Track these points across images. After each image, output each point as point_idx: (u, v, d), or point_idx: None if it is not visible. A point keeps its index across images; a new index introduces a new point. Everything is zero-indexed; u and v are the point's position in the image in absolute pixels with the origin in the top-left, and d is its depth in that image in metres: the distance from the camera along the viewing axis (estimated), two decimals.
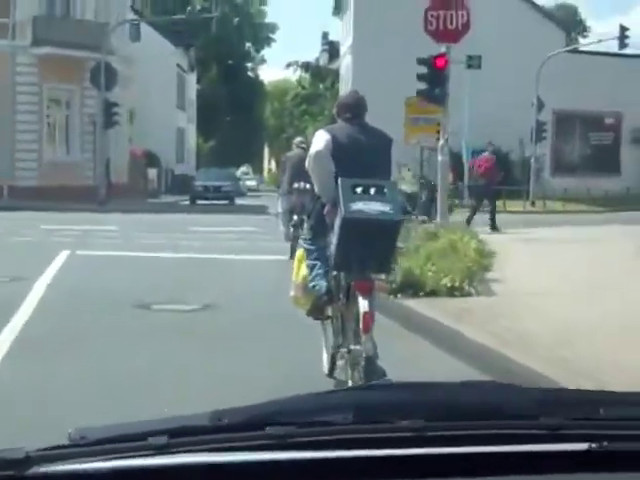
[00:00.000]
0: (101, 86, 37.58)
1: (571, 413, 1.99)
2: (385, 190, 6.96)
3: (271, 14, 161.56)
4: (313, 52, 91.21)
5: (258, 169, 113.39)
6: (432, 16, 21.55)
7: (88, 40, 38.38)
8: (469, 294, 11.55)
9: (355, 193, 6.86)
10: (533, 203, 45.54)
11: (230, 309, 11.50)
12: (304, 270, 7.67)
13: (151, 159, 57.33)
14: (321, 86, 69.17)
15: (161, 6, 78.68)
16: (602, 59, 54.36)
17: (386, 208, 6.84)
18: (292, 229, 17.73)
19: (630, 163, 54.76)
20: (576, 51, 52.27)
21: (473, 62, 34.53)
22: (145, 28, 63.03)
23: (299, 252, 8.01)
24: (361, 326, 6.77)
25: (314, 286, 7.50)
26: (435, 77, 21.37)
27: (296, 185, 17.31)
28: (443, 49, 21.49)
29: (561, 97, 49.84)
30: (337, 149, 7.25)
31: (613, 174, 53.98)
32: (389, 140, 7.58)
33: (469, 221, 24.62)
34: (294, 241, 16.95)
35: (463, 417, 1.93)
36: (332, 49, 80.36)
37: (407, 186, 17.58)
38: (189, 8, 67.34)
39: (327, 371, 7.47)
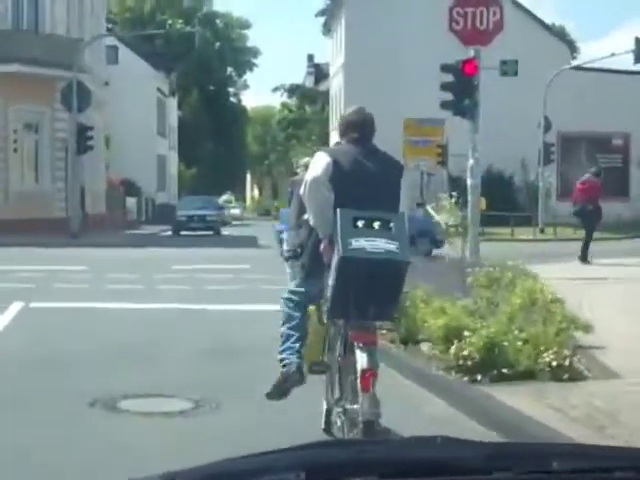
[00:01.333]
0: (73, 107, 33.92)
1: (524, 467, 2.07)
2: (391, 225, 6.09)
3: (253, 38, 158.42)
4: (297, 76, 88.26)
5: (241, 196, 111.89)
6: (458, 14, 18.26)
7: (59, 57, 34.80)
8: (581, 375, 8.01)
9: (356, 227, 6.06)
10: (542, 230, 42.26)
11: (235, 410, 7.81)
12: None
13: (130, 188, 54.28)
14: (307, 109, 65.91)
15: (140, 29, 76.18)
16: (608, 76, 51.44)
17: (392, 246, 6.01)
18: None
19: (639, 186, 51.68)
20: (581, 68, 49.02)
21: (508, 68, 30.85)
22: (123, 49, 60.18)
23: (311, 309, 6.92)
24: (359, 385, 5.93)
25: (282, 360, 6.60)
26: (464, 86, 18.06)
27: (306, 216, 13.82)
28: (467, 54, 18.03)
29: (566, 117, 46.71)
30: (338, 175, 6.34)
31: (622, 198, 50.84)
32: (400, 167, 6.75)
33: (585, 256, 21.67)
34: None
35: (417, 474, 2.03)
36: (318, 72, 77.70)
37: (447, 217, 14.00)
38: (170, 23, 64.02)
39: (323, 426, 6.72)
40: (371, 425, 5.84)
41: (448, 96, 18.48)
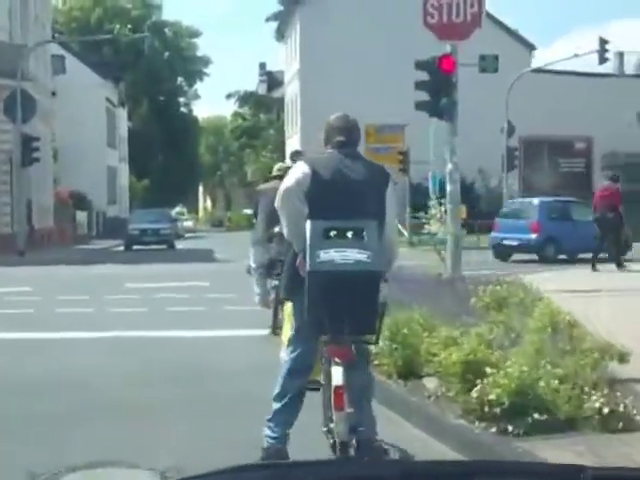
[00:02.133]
0: (17, 118, 32.05)
1: None
2: (364, 234, 5.80)
3: (203, 47, 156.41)
4: (248, 84, 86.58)
5: (193, 208, 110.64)
6: (433, 7, 16.78)
7: (1, 64, 32.90)
8: (636, 424, 6.50)
9: (328, 238, 5.78)
10: None
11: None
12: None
13: (80, 201, 52.46)
14: (262, 117, 64.29)
15: (86, 36, 74.45)
16: (570, 79, 50.49)
17: (363, 256, 5.74)
18: (273, 291, 12.76)
19: None
20: (541, 71, 47.83)
21: (487, 64, 29.28)
22: (70, 59, 58.40)
23: (287, 306, 7.00)
24: (332, 402, 5.83)
25: (266, 436, 6.12)
26: (441, 84, 16.72)
27: (277, 229, 12.29)
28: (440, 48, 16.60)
29: (527, 121, 45.50)
30: (317, 185, 6.00)
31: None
32: (385, 175, 6.32)
33: (620, 262, 21.46)
34: (276, 307, 12.32)
35: None
36: (270, 79, 76.24)
37: (437, 226, 12.48)
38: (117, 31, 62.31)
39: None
40: (345, 445, 5.74)
41: (420, 96, 17.10)
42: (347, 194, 5.99)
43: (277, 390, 6.24)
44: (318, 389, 6.44)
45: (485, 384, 6.76)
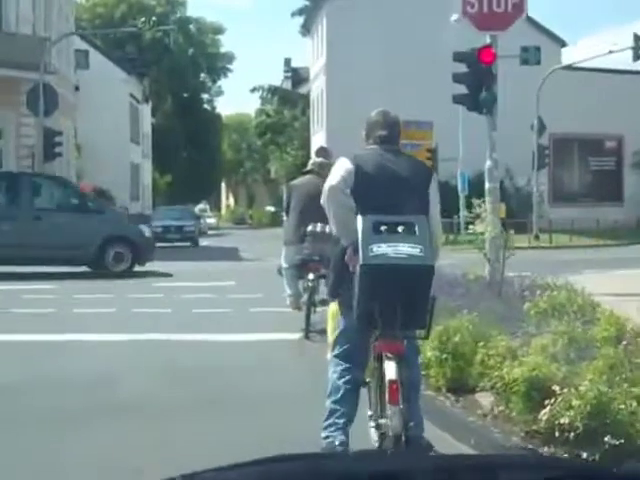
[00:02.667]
0: (39, 111, 31.39)
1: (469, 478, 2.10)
2: (416, 228, 5.78)
3: (227, 43, 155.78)
4: (273, 81, 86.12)
5: (215, 205, 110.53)
6: None
7: (24, 58, 32.19)
8: None
9: (379, 233, 5.75)
10: (537, 237, 40.10)
11: None
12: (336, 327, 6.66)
13: (102, 197, 51.66)
14: (286, 113, 63.50)
15: (111, 36, 74.17)
16: (600, 76, 49.45)
17: (416, 250, 5.71)
18: (306, 293, 12.10)
19: (634, 190, 49.61)
20: (572, 68, 46.84)
21: (529, 55, 28.25)
22: (94, 54, 57.84)
23: (332, 306, 7.19)
24: (387, 396, 5.65)
25: (326, 437, 5.99)
26: (480, 76, 15.93)
27: (311, 228, 11.68)
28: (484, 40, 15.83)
29: (557, 119, 44.54)
30: (362, 181, 6.04)
31: (616, 202, 48.89)
32: (428, 171, 6.45)
33: None
34: (309, 310, 11.62)
35: None
36: (295, 75, 75.49)
37: (485, 227, 11.69)
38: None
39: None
40: (399, 439, 5.59)
41: (457, 89, 16.34)
42: (393, 189, 6.04)
43: (329, 389, 6.20)
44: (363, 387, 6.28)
45: (555, 405, 6.00)
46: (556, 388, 6.21)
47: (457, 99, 16.47)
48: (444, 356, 7.89)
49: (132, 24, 71.68)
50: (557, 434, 5.90)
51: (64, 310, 15.46)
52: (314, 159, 12.76)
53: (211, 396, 8.47)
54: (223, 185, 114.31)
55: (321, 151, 13.37)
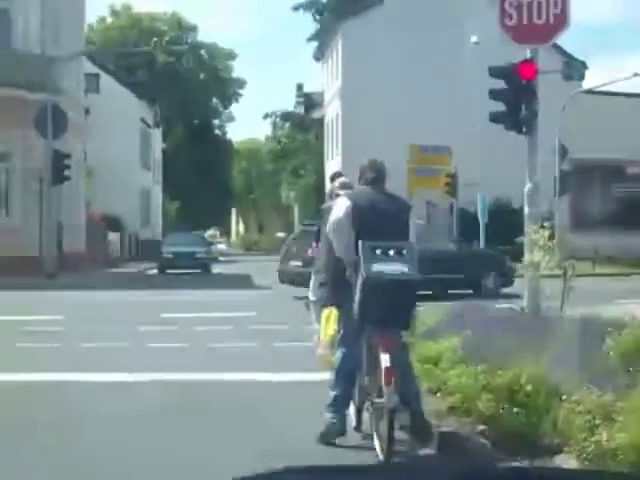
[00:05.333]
0: (48, 132, 30.35)
1: None
2: (404, 251, 7.53)
3: (238, 68, 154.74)
4: (284, 106, 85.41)
5: (226, 232, 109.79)
6: (511, 5, 14.77)
7: (32, 77, 31.19)
8: None
9: (375, 255, 7.45)
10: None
11: None
12: (331, 329, 8.32)
13: (112, 223, 50.76)
14: (298, 138, 62.46)
15: (124, 60, 73.49)
16: (621, 100, 48.29)
17: (405, 268, 7.43)
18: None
19: None
20: (592, 92, 45.68)
21: (573, 71, 26.90)
22: (105, 77, 57.07)
23: (326, 311, 8.50)
24: (383, 380, 7.19)
25: (327, 418, 7.83)
26: (520, 92, 14.78)
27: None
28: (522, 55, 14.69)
29: (578, 143, 43.26)
30: (359, 214, 7.81)
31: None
32: (408, 206, 8.24)
33: None
34: None
35: None
36: (307, 101, 74.52)
37: (541, 256, 10.47)
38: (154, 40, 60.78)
39: (355, 424, 8.10)
40: (394, 412, 7.15)
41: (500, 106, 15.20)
42: (383, 221, 7.72)
43: (333, 380, 8.00)
44: None
45: None
46: None
47: (494, 117, 15.28)
48: (515, 410, 6.69)
49: (145, 46, 71.17)
50: None
51: (74, 344, 14.28)
52: (343, 180, 11.56)
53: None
54: (233, 211, 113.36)
55: (336, 175, 12.36)
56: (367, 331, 7.56)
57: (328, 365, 8.38)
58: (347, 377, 7.84)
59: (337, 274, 7.95)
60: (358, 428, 8.01)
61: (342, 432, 7.73)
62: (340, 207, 7.91)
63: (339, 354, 7.97)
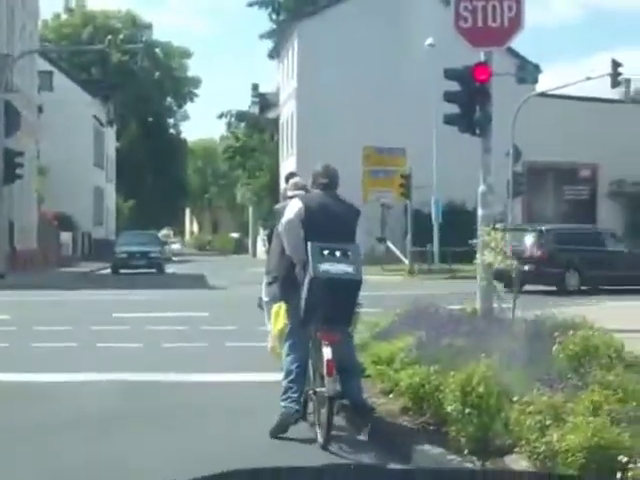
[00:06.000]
0: (0, 131, 30.05)
1: None
2: (349, 253, 8.02)
3: (193, 67, 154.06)
4: (239, 106, 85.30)
5: (179, 231, 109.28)
6: (466, 8, 14.81)
7: None
8: None
9: (322, 255, 7.90)
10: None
11: None
12: (280, 323, 8.77)
13: (65, 222, 50.30)
14: (255, 137, 62.23)
15: (77, 57, 73.02)
16: (575, 104, 48.63)
17: (350, 269, 7.94)
18: None
19: (608, 220, 48.70)
20: (546, 95, 45.95)
21: (526, 74, 26.94)
22: (58, 75, 56.56)
23: (276, 307, 8.93)
24: (325, 371, 7.77)
25: (283, 407, 8.17)
26: (474, 94, 14.76)
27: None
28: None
29: (531, 146, 43.51)
30: (309, 216, 8.21)
31: None
32: (356, 211, 8.61)
33: None
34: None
35: None
36: (263, 101, 74.33)
37: (493, 257, 10.48)
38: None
39: (301, 413, 8.38)
40: (333, 400, 7.73)
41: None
42: (332, 223, 8.12)
43: (284, 371, 8.37)
44: None
45: None
46: (622, 459, 5.02)
47: (448, 119, 15.29)
48: (467, 411, 6.70)
49: (99, 44, 70.63)
50: None
51: (22, 344, 14.13)
52: (295, 181, 11.51)
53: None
54: (187, 211, 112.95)
55: (290, 176, 12.32)
56: (312, 326, 7.97)
57: (278, 357, 8.68)
58: (297, 365, 8.20)
59: (287, 272, 8.29)
60: (304, 417, 8.30)
61: (299, 413, 8.13)
62: (292, 208, 8.27)
63: (287, 345, 8.35)
